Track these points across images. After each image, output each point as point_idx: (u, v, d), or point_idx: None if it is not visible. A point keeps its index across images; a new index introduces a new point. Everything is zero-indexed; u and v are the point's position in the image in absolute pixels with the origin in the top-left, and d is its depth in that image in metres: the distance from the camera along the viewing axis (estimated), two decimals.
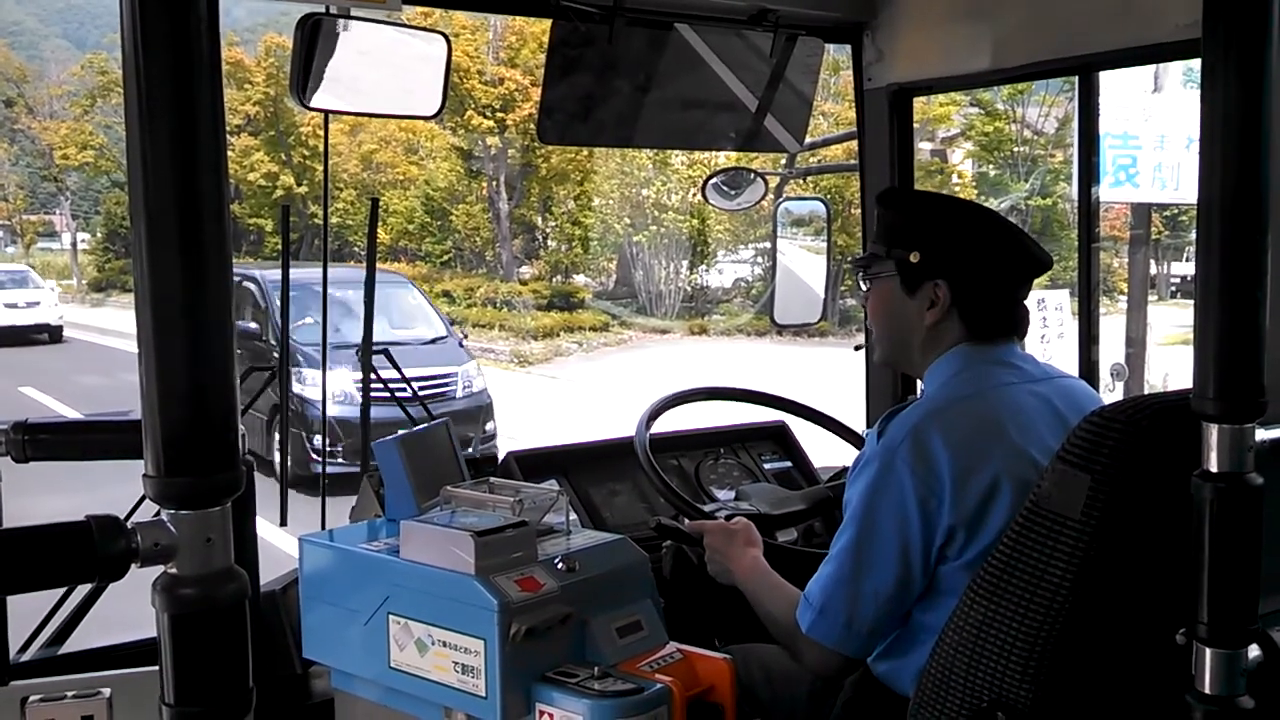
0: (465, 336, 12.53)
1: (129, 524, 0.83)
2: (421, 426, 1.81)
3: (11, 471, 1.59)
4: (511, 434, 9.98)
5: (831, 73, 16.93)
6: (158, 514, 0.84)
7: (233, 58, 27.03)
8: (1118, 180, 9.59)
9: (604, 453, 2.47)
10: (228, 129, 0.89)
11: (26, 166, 35.98)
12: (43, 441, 1.62)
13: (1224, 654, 1.09)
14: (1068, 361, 2.55)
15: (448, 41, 2.24)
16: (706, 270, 23.43)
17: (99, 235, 31.98)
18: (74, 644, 1.92)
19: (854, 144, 2.78)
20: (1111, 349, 8.09)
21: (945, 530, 1.62)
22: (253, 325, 10.42)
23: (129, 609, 1.36)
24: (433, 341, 10.94)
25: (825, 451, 2.69)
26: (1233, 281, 1.06)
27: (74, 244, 33.63)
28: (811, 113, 2.79)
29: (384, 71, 2.19)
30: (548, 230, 24.82)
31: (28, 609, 1.54)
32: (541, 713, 1.42)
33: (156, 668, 0.82)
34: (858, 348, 2.57)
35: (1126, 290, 10.93)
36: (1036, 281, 1.89)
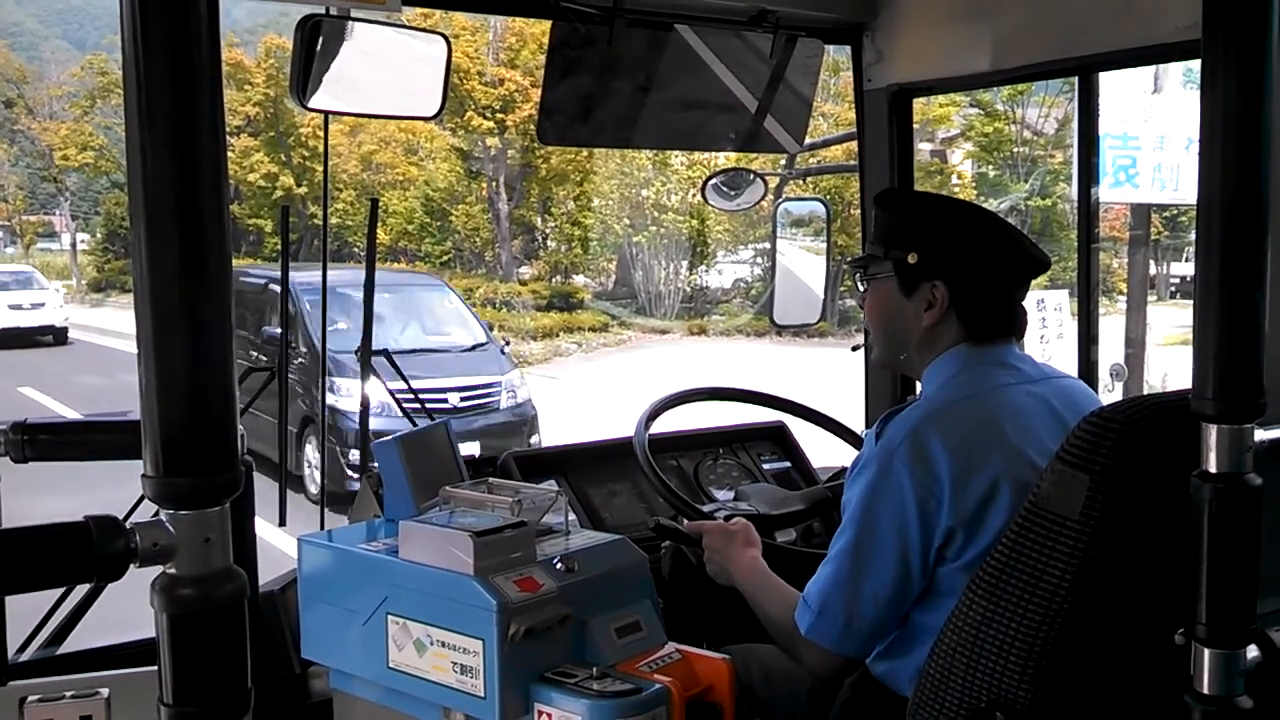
0: (507, 344, 11.74)
1: (128, 524, 0.83)
2: (421, 427, 1.81)
3: (11, 472, 1.59)
4: None
5: (831, 74, 16.93)
6: (156, 514, 0.84)
7: (233, 59, 27.04)
8: (1117, 181, 9.59)
9: (603, 453, 2.47)
10: (227, 130, 0.89)
11: (26, 167, 35.96)
12: (42, 442, 1.62)
13: (1222, 654, 1.09)
14: (1067, 362, 2.55)
15: (448, 42, 2.24)
16: (706, 271, 23.43)
17: (98, 236, 31.96)
18: (72, 644, 1.92)
19: (854, 145, 2.79)
20: (1111, 349, 8.09)
21: (944, 532, 1.62)
22: (279, 331, 9.25)
23: (129, 609, 1.36)
24: (472, 349, 10.39)
25: (824, 452, 2.69)
26: (1232, 282, 1.06)
27: (73, 244, 33.60)
28: (811, 113, 2.79)
29: (384, 72, 2.19)
30: (547, 231, 24.83)
31: (26, 609, 1.55)
32: (540, 713, 1.42)
33: (155, 668, 0.82)
34: (855, 348, 2.57)
35: (1126, 290, 10.93)
36: (1035, 282, 1.89)
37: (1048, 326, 8.66)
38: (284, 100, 25.78)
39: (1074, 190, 13.14)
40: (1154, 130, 9.72)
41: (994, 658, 1.44)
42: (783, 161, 3.52)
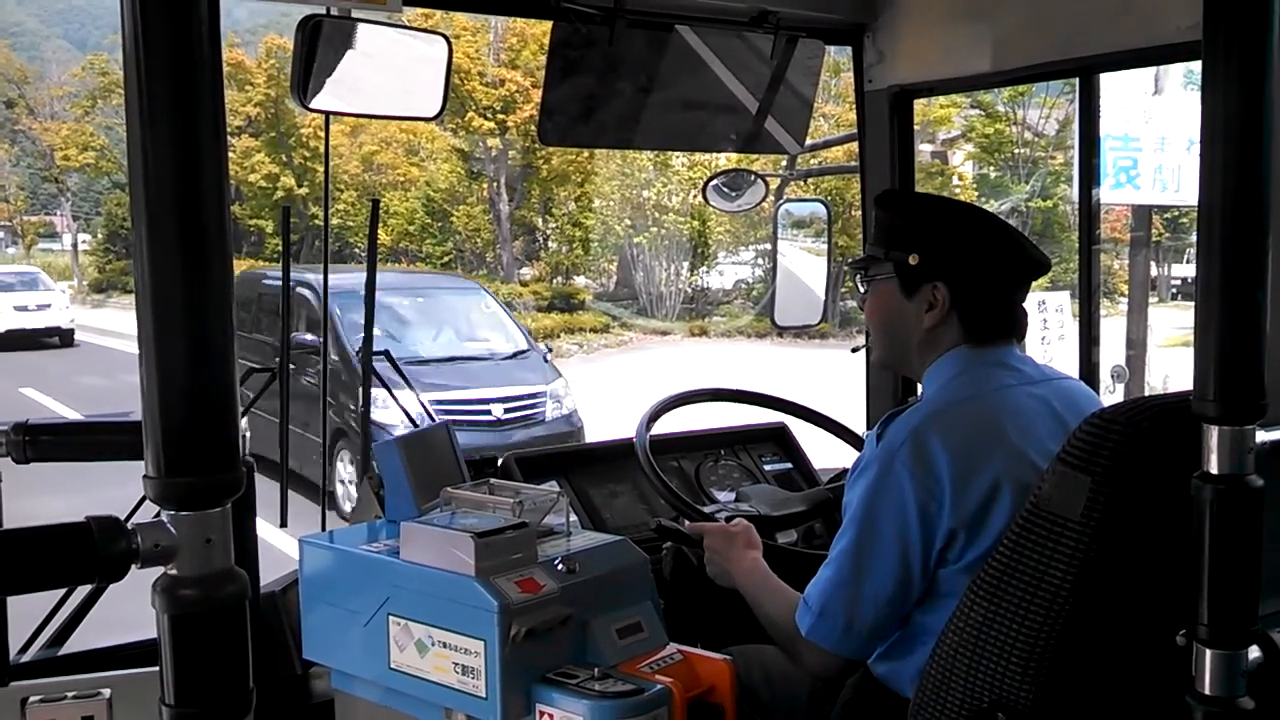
0: (550, 351, 11.23)
1: (129, 525, 0.83)
2: (422, 428, 1.81)
3: (12, 472, 1.59)
4: None
5: (832, 75, 16.94)
6: (158, 515, 0.84)
7: (234, 59, 27.07)
8: (1118, 182, 9.60)
9: (604, 454, 2.47)
10: (228, 130, 0.89)
11: (27, 168, 36.01)
12: (43, 443, 1.62)
13: (1224, 655, 1.09)
14: (1068, 363, 2.54)
15: (448, 43, 2.24)
16: (707, 272, 23.44)
17: (100, 236, 31.98)
18: (74, 645, 1.92)
19: (855, 146, 2.79)
20: (1112, 351, 8.09)
21: (945, 533, 1.62)
22: (308, 337, 8.48)
23: (130, 609, 1.36)
24: (513, 356, 9.78)
25: (825, 453, 2.69)
26: (1233, 283, 1.06)
27: (75, 245, 33.63)
28: (812, 114, 2.79)
29: (385, 73, 2.19)
30: (548, 231, 24.84)
31: (28, 610, 1.55)
32: (542, 713, 1.42)
33: (156, 668, 0.82)
34: (856, 349, 2.57)
35: (1127, 292, 10.94)
36: (1036, 283, 1.89)
37: (1049, 328, 8.67)
38: (285, 101, 25.80)
39: (1075, 192, 13.13)
40: (1155, 132, 9.73)
41: (995, 659, 1.43)
42: (783, 162, 3.51)
